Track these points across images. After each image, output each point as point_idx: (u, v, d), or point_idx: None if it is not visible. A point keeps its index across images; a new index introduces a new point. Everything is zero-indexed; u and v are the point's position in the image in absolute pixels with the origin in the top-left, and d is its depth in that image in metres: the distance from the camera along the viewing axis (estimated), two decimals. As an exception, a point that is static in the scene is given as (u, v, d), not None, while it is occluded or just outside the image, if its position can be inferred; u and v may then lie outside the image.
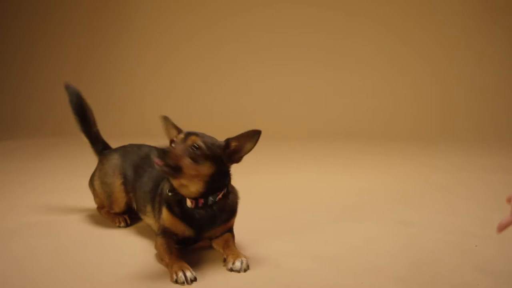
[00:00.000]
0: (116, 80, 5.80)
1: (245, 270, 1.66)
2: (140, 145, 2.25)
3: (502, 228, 1.28)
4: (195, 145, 1.67)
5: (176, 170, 1.65)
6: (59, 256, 1.84)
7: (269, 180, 3.10)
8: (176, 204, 1.77)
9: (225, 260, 1.72)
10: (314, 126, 5.01)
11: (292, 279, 1.63)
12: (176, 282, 1.58)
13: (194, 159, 1.66)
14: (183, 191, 1.73)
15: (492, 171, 3.32)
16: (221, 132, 1.94)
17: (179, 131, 1.80)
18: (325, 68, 5.43)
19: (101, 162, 2.25)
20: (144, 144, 2.25)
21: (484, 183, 2.99)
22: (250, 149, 1.72)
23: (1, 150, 4.22)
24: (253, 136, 1.71)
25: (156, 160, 1.63)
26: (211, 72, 5.64)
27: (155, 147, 1.69)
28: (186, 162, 1.65)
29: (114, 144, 2.39)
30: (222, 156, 1.72)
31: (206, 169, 1.69)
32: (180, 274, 1.59)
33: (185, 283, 1.58)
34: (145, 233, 2.08)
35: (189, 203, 1.74)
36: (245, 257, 1.70)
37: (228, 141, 1.73)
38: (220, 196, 1.77)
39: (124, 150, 2.22)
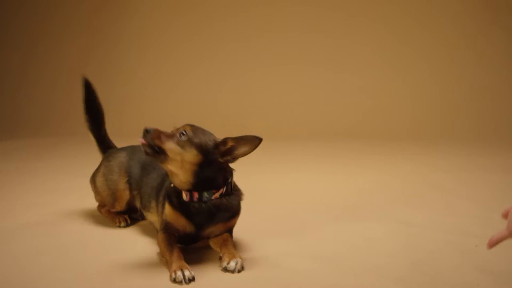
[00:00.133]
0: (116, 80, 5.80)
1: (239, 271, 1.66)
2: None
3: (492, 244, 1.25)
4: (184, 131, 1.71)
5: (159, 152, 1.68)
6: (59, 256, 1.84)
7: (269, 180, 3.10)
8: (175, 196, 1.79)
9: (220, 259, 1.72)
10: (314, 126, 5.01)
11: (292, 279, 1.63)
12: (175, 281, 1.59)
13: (180, 144, 1.69)
14: (175, 181, 1.76)
15: (492, 171, 3.32)
16: (221, 132, 1.93)
17: None
18: (325, 68, 5.43)
19: (107, 159, 2.25)
20: None
21: (484, 183, 2.99)
22: (246, 153, 1.72)
23: (1, 150, 4.22)
24: (252, 141, 1.71)
25: (140, 139, 1.68)
26: (211, 72, 5.64)
27: (145, 129, 1.72)
28: (170, 145, 1.69)
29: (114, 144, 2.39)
30: (212, 149, 1.72)
31: (191, 156, 1.70)
32: (179, 273, 1.59)
33: (183, 282, 1.58)
34: (145, 233, 2.08)
35: (184, 195, 1.75)
36: (240, 258, 1.70)
37: (225, 139, 1.74)
38: (217, 195, 1.76)
39: (133, 148, 2.21)
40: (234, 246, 1.80)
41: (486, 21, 5.18)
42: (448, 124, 4.88)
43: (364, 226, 2.19)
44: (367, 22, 5.40)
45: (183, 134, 1.71)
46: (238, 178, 1.88)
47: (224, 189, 1.77)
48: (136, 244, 1.98)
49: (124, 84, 5.76)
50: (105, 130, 2.34)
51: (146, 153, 1.70)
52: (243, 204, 1.88)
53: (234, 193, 1.83)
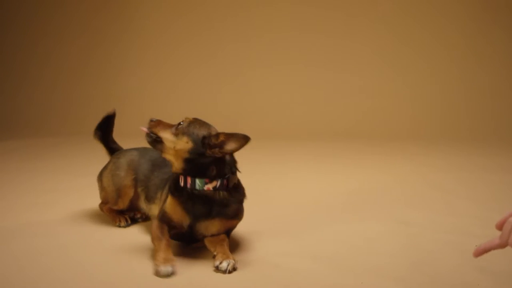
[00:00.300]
0: (116, 80, 5.81)
1: (229, 272, 1.65)
2: None
3: (480, 253, 1.21)
4: (181, 122, 1.81)
5: (158, 141, 1.80)
6: (59, 256, 1.84)
7: (269, 180, 3.10)
8: (174, 182, 1.84)
9: (214, 258, 1.72)
10: (314, 126, 5.01)
11: (292, 279, 1.63)
12: (158, 274, 1.63)
13: (174, 133, 1.79)
14: (173, 169, 1.84)
15: (492, 171, 3.32)
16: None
17: None
18: (325, 68, 5.44)
19: (116, 156, 2.27)
20: None
21: (484, 183, 2.99)
22: (234, 150, 1.74)
23: (1, 150, 4.22)
24: (241, 139, 1.72)
25: (142, 127, 1.83)
26: (211, 72, 5.64)
27: (150, 119, 1.85)
28: (165, 134, 1.80)
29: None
30: (201, 140, 1.75)
31: (182, 144, 1.77)
32: (161, 267, 1.63)
33: (164, 276, 1.61)
34: (145, 233, 2.08)
35: (180, 180, 1.81)
36: (234, 260, 1.69)
37: (218, 133, 1.77)
38: (209, 186, 1.76)
39: (145, 148, 2.23)
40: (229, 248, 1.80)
41: (486, 21, 5.18)
42: (448, 124, 4.89)
43: (364, 226, 2.19)
44: (367, 22, 5.40)
45: (180, 124, 1.80)
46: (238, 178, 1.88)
47: (219, 182, 1.77)
48: (136, 244, 1.97)
49: (124, 84, 5.76)
50: (112, 136, 2.39)
51: (148, 142, 1.83)
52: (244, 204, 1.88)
53: (234, 192, 1.83)
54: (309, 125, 5.04)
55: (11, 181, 3.10)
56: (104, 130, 2.35)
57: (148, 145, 1.89)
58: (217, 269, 1.66)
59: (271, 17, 5.57)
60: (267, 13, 5.59)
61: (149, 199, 2.10)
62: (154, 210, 2.06)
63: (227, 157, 1.80)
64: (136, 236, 2.07)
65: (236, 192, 1.84)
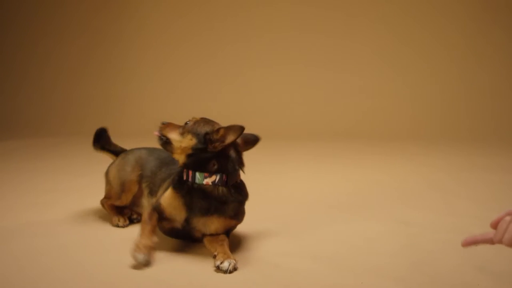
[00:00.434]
0: (116, 80, 5.81)
1: (230, 272, 1.66)
2: None
3: (468, 243, 1.21)
4: (187, 122, 1.85)
5: (167, 143, 1.85)
6: (59, 256, 1.84)
7: (269, 180, 3.10)
8: (178, 175, 1.87)
9: (214, 257, 1.72)
10: (314, 126, 5.01)
11: (292, 279, 1.63)
12: (134, 259, 1.68)
13: (180, 133, 1.83)
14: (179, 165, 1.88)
15: (492, 171, 3.32)
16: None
17: None
18: (325, 68, 5.43)
19: (125, 153, 2.30)
20: None
21: (484, 183, 2.99)
22: (231, 140, 1.77)
23: (1, 150, 4.22)
24: (236, 130, 1.76)
25: (155, 132, 1.87)
26: (211, 72, 5.64)
27: (162, 122, 1.90)
28: (173, 135, 1.84)
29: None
30: (204, 135, 1.78)
31: (186, 141, 1.81)
32: (139, 255, 1.68)
33: (140, 264, 1.67)
34: (145, 233, 2.08)
35: (184, 174, 1.83)
36: (234, 260, 1.69)
37: (218, 129, 1.80)
38: (208, 180, 1.77)
39: (154, 148, 2.23)
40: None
41: (486, 21, 5.18)
42: (448, 124, 4.89)
43: (364, 226, 2.19)
44: (367, 22, 5.40)
45: (186, 124, 1.85)
46: (238, 178, 1.87)
47: (218, 177, 1.78)
48: (136, 244, 1.97)
49: (124, 84, 5.76)
50: (112, 142, 2.42)
51: (160, 145, 1.88)
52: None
53: (235, 191, 1.82)
54: (309, 125, 5.04)
55: (11, 181, 3.10)
56: (102, 141, 2.38)
57: (157, 146, 1.91)
58: (218, 269, 1.66)
59: (271, 17, 5.57)
60: (267, 13, 5.59)
61: (153, 193, 2.11)
62: None
63: (233, 154, 1.81)
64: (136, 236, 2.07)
65: (237, 191, 1.84)
